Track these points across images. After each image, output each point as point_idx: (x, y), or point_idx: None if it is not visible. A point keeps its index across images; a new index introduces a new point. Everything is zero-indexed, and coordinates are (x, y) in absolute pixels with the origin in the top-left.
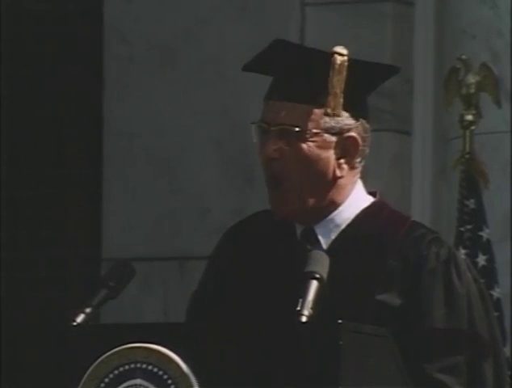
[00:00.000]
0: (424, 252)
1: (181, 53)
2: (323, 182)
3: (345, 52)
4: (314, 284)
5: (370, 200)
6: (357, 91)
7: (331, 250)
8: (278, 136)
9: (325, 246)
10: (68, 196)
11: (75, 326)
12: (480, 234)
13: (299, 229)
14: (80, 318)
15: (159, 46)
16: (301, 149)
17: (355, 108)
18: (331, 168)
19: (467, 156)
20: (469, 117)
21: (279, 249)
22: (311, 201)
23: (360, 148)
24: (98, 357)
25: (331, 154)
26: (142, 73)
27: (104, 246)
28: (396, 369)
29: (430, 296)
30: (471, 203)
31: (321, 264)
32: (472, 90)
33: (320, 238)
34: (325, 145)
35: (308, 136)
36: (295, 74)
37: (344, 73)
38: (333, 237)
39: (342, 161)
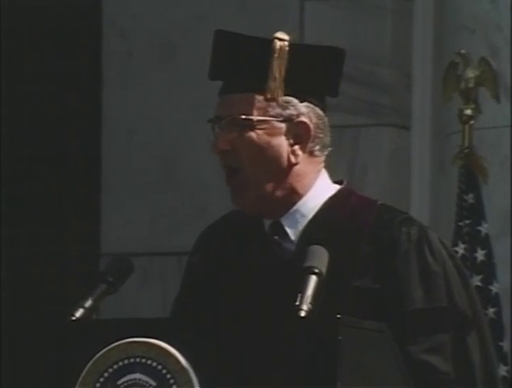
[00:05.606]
0: (395, 234)
1: (180, 49)
2: (278, 169)
3: (286, 37)
4: (313, 279)
5: (336, 188)
6: (304, 76)
7: (300, 241)
8: (228, 128)
9: (293, 237)
10: (66, 193)
11: (74, 321)
12: (479, 228)
13: (266, 224)
14: (79, 313)
15: (158, 42)
16: (251, 137)
17: (304, 94)
18: (285, 155)
19: (466, 151)
20: (468, 112)
21: (250, 245)
22: (269, 190)
23: (313, 134)
24: (98, 352)
25: (282, 141)
26: (141, 69)
27: (103, 241)
28: (394, 364)
29: (406, 278)
30: (470, 198)
31: (320, 259)
32: (471, 85)
33: (287, 229)
34: (274, 132)
35: (255, 124)
36: (239, 65)
37: (285, 57)
38: (300, 228)
39: (295, 147)
